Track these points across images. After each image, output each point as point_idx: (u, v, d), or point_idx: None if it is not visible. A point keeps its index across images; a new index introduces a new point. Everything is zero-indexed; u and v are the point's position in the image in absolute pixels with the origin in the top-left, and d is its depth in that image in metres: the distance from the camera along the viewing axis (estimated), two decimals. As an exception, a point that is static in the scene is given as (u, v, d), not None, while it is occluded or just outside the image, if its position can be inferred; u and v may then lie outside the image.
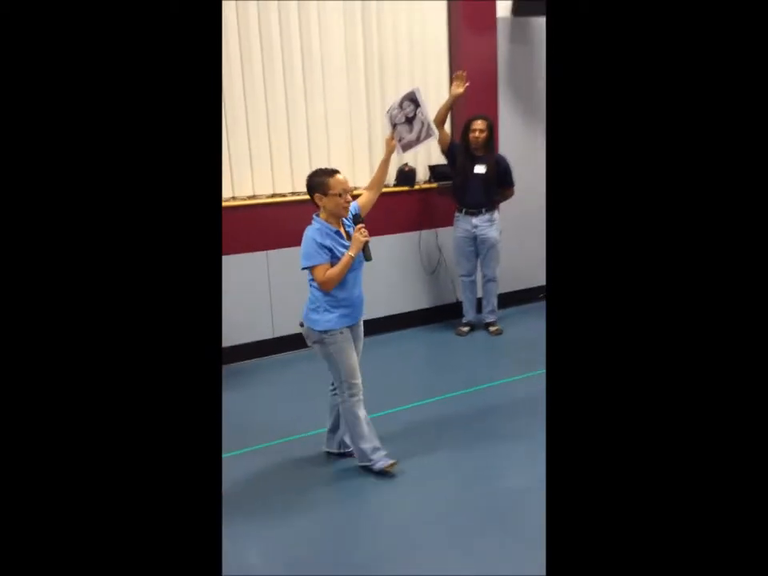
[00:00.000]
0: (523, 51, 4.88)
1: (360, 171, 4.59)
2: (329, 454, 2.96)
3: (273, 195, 4.34)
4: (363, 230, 2.59)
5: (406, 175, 4.65)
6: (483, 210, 4.40)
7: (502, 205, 4.60)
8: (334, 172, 2.59)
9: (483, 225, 4.41)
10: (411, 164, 4.70)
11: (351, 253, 2.57)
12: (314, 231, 2.59)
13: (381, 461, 2.75)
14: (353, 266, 2.61)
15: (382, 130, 4.64)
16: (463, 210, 4.44)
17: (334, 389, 2.82)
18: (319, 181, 2.57)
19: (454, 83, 4.20)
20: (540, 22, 4.82)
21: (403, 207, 4.59)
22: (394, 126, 2.97)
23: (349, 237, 2.64)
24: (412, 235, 4.63)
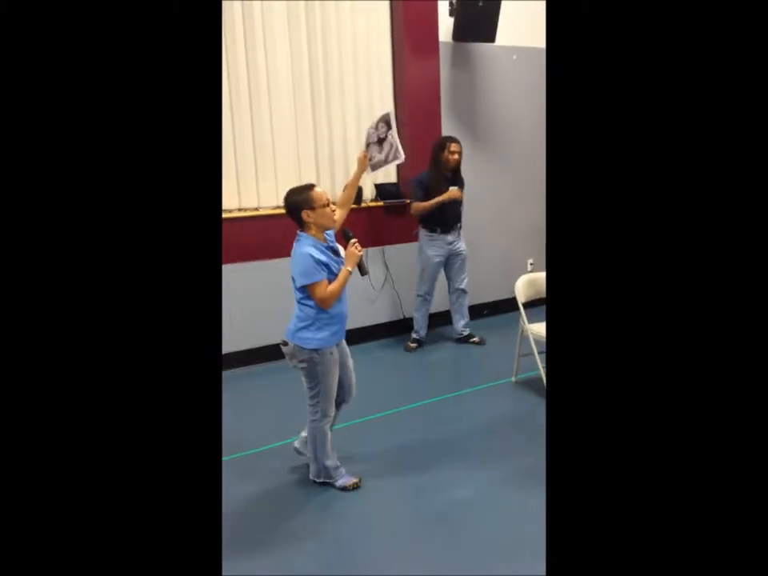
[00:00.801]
0: (465, 76, 5.06)
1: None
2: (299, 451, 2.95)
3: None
4: (357, 244, 2.60)
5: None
6: (456, 226, 4.54)
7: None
8: (312, 186, 2.57)
9: (455, 239, 4.56)
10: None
11: (349, 267, 2.56)
12: (308, 248, 2.52)
13: (343, 478, 2.78)
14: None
15: (329, 150, 4.72)
16: (438, 230, 4.50)
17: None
18: (302, 198, 2.53)
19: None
20: (480, 48, 5.02)
21: (349, 225, 4.63)
22: (368, 145, 3.07)
23: (335, 252, 2.64)
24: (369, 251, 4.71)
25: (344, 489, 2.76)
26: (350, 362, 2.83)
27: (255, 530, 2.52)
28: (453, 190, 4.38)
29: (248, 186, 4.43)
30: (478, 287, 5.16)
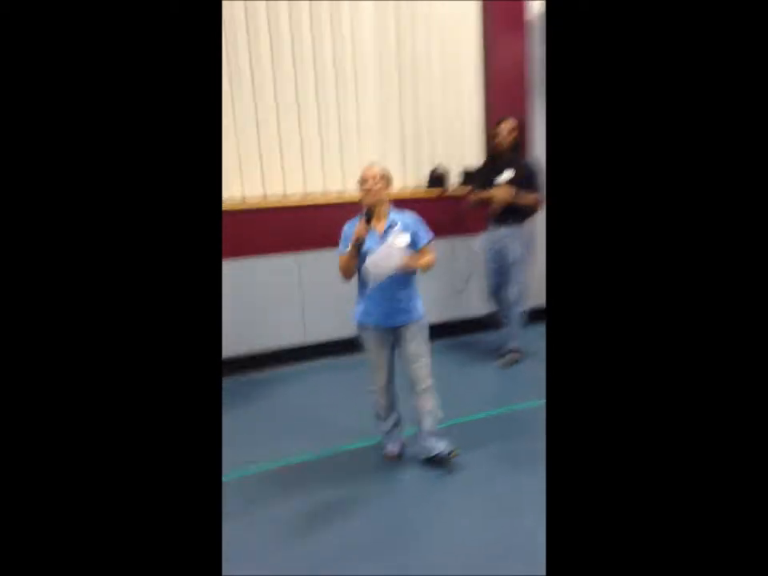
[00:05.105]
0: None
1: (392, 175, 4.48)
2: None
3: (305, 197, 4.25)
4: (364, 224, 2.57)
5: (437, 178, 4.48)
6: (508, 222, 3.99)
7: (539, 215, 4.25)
8: (369, 165, 2.70)
9: (506, 238, 4.01)
10: (444, 165, 4.55)
11: (349, 247, 2.61)
12: (349, 222, 2.73)
13: (388, 446, 2.95)
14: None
15: (414, 131, 4.51)
16: (490, 221, 4.10)
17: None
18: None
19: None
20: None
21: (434, 211, 4.39)
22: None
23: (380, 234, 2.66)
24: (443, 243, 4.40)
25: (385, 456, 2.94)
26: (411, 350, 2.73)
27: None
28: (497, 190, 3.88)
29: (333, 167, 4.33)
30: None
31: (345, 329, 4.13)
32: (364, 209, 2.66)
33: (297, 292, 4.23)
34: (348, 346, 4.21)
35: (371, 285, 2.63)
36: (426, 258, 2.67)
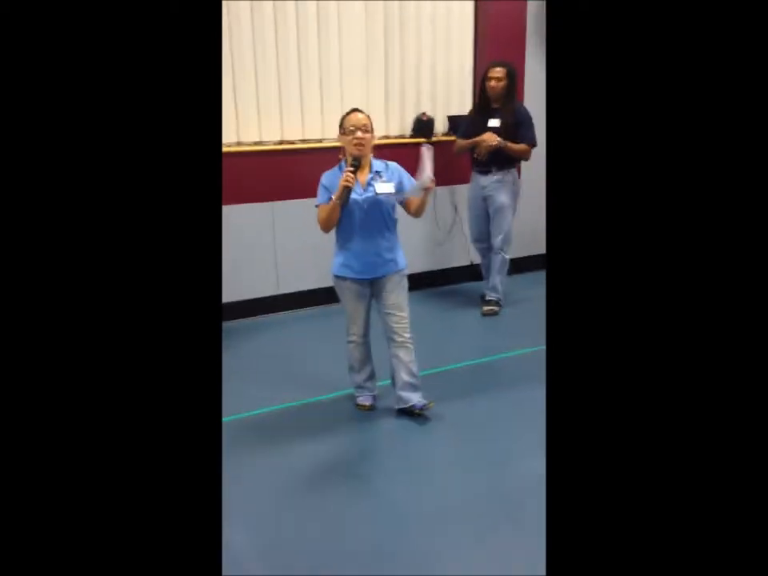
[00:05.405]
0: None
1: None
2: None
3: (281, 142, 4.09)
4: (349, 174, 2.48)
5: (423, 125, 4.35)
6: (494, 169, 3.97)
7: (524, 164, 4.21)
8: (353, 111, 2.60)
9: (492, 185, 4.00)
10: (429, 113, 4.41)
11: (333, 197, 2.51)
12: (327, 172, 2.64)
13: (361, 397, 2.93)
14: (351, 215, 2.55)
15: (399, 82, 4.36)
16: (475, 169, 4.08)
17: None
18: (340, 121, 2.61)
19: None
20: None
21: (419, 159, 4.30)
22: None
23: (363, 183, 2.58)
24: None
25: (357, 405, 2.92)
26: (391, 301, 2.70)
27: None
28: (486, 135, 3.83)
29: (313, 115, 4.16)
30: (529, 236, 4.73)
31: (319, 280, 4.08)
32: (347, 157, 2.58)
33: (270, 242, 4.11)
34: (321, 297, 4.17)
35: (354, 235, 2.58)
36: (426, 199, 2.61)
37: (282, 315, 4.20)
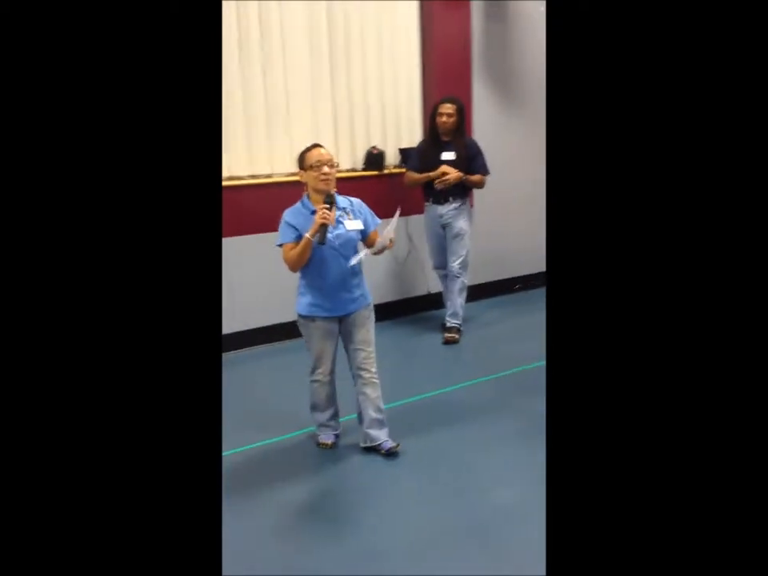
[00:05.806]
0: (498, 29, 4.66)
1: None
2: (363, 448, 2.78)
3: (229, 178, 4.01)
4: (325, 212, 2.42)
5: (374, 158, 4.38)
6: (450, 199, 4.09)
7: (476, 193, 4.34)
8: (314, 146, 2.54)
9: (450, 213, 4.11)
10: (380, 146, 4.44)
11: (308, 234, 2.43)
12: (289, 210, 2.56)
13: (322, 435, 2.82)
14: (322, 253, 2.48)
15: (348, 116, 4.38)
16: (431, 199, 4.17)
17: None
18: (300, 157, 2.55)
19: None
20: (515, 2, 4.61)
21: (371, 192, 4.28)
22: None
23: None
24: (381, 222, 4.35)
25: (319, 444, 2.82)
26: (360, 337, 2.66)
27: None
28: (443, 168, 3.96)
29: (260, 151, 4.10)
30: (508, 261, 4.84)
31: (274, 316, 4.01)
32: (311, 193, 2.54)
33: (224, 279, 3.99)
34: (277, 333, 4.09)
35: (325, 274, 2.52)
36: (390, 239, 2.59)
37: (239, 353, 4.09)
